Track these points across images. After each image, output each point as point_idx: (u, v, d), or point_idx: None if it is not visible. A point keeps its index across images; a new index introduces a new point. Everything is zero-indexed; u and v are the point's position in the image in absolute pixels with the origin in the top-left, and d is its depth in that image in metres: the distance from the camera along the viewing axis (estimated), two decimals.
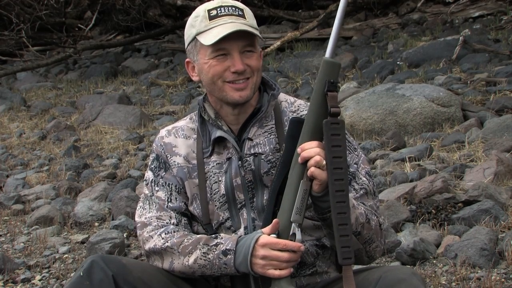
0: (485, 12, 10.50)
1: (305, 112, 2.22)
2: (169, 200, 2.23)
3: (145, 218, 2.23)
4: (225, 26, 2.10)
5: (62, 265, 4.02)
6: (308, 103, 2.27)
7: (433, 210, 4.04)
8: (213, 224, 2.20)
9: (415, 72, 7.68)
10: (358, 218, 2.06)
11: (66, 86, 10.33)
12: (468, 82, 6.91)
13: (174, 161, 2.25)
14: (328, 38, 12.59)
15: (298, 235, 1.96)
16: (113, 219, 4.73)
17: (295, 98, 2.32)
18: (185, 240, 2.13)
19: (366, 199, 2.18)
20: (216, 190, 2.19)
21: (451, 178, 4.57)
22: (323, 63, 1.97)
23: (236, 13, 2.13)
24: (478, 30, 9.37)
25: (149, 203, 2.26)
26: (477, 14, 10.50)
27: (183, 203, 2.23)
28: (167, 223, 2.20)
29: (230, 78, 2.13)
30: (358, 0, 10.79)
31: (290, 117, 2.15)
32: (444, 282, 3.29)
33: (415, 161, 5.05)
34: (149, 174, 2.29)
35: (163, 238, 2.16)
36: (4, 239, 4.62)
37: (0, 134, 7.90)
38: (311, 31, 10.52)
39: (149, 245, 2.18)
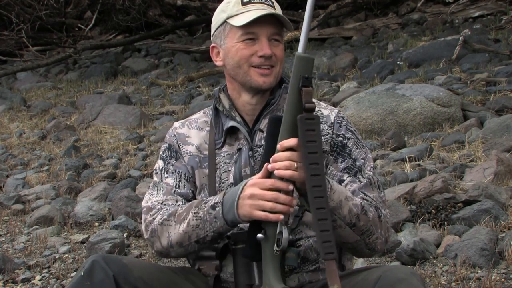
0: (485, 12, 10.50)
1: (316, 109, 2.23)
2: (177, 186, 2.25)
3: (151, 202, 2.25)
4: (258, 11, 2.15)
5: (62, 265, 4.02)
6: (319, 103, 2.29)
7: (433, 210, 4.04)
8: None
9: (415, 72, 7.68)
10: (352, 210, 2.05)
11: (66, 86, 10.33)
12: (468, 82, 6.91)
13: (186, 150, 2.28)
14: (328, 38, 12.52)
15: (285, 233, 1.96)
16: (113, 219, 4.73)
17: None
18: (179, 209, 2.16)
19: (370, 190, 2.18)
20: (225, 179, 2.21)
21: (451, 178, 4.57)
22: (296, 59, 1.97)
23: (268, 3, 2.20)
24: (478, 30, 9.37)
25: (157, 188, 2.28)
26: (477, 14, 10.51)
27: (190, 191, 2.25)
28: (171, 205, 2.22)
29: (256, 63, 2.17)
30: (358, 0, 10.79)
31: (269, 116, 2.17)
32: (444, 282, 3.29)
33: (415, 161, 5.05)
34: (159, 163, 2.32)
35: (161, 215, 2.19)
36: (4, 239, 4.62)
37: (0, 134, 7.90)
38: (311, 31, 10.51)
39: (151, 227, 2.20)
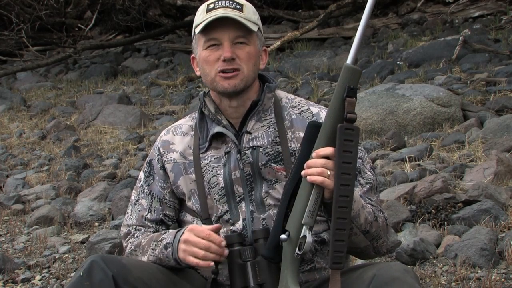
0: (485, 12, 10.50)
1: (305, 108, 2.27)
2: (149, 210, 2.31)
3: (127, 226, 2.34)
4: (215, 16, 2.15)
5: (62, 265, 4.02)
6: (308, 101, 2.31)
7: (433, 210, 4.04)
8: (212, 218, 2.23)
9: (415, 72, 7.68)
10: (367, 218, 2.09)
11: (66, 86, 10.32)
12: (468, 82, 6.91)
13: (170, 157, 2.30)
14: (328, 38, 12.46)
15: (309, 238, 1.97)
16: (113, 219, 4.73)
17: (295, 96, 2.35)
18: (143, 240, 2.25)
19: (371, 194, 2.21)
20: (215, 184, 2.21)
21: (451, 178, 4.57)
22: (344, 69, 1.97)
23: (233, 6, 2.17)
24: (478, 30, 9.37)
25: (132, 209, 2.36)
26: (477, 14, 10.51)
27: (161, 215, 2.31)
28: (142, 231, 2.32)
29: (220, 68, 2.17)
30: (358, 0, 10.79)
31: (308, 121, 2.17)
32: (444, 282, 3.29)
33: (415, 161, 5.05)
34: (140, 177, 2.39)
35: (131, 243, 2.30)
36: (4, 239, 4.62)
37: (0, 134, 7.89)
38: (311, 31, 10.52)
39: (126, 254, 2.31)
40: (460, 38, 8.09)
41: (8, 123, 8.41)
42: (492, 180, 4.38)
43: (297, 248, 1.98)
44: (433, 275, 3.34)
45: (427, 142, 5.49)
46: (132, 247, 2.28)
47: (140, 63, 11.28)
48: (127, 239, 2.33)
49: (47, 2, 11.84)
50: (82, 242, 4.40)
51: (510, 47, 8.11)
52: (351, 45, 2.01)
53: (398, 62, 8.31)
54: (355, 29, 12.52)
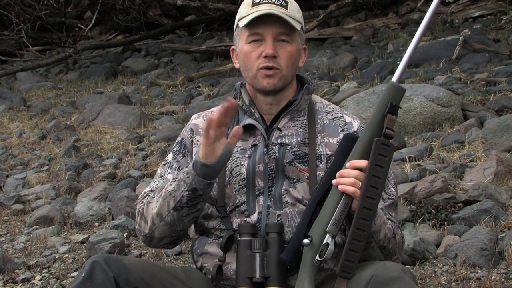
0: (485, 12, 10.50)
1: (339, 115, 2.31)
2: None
3: (144, 192, 2.30)
4: (261, 11, 2.16)
5: (62, 265, 4.02)
6: (342, 109, 2.35)
7: (433, 210, 4.04)
8: (228, 207, 2.23)
9: (415, 72, 7.68)
10: (387, 234, 2.11)
11: (66, 86, 10.32)
12: (468, 82, 6.91)
13: (198, 141, 2.30)
14: (328, 38, 12.43)
15: (331, 246, 1.98)
16: (113, 219, 4.73)
17: (330, 102, 2.39)
18: (166, 185, 2.21)
19: (391, 209, 2.23)
20: (237, 174, 2.22)
21: (451, 178, 4.57)
22: (389, 86, 2.01)
23: (279, 2, 2.19)
24: (478, 30, 9.37)
25: (155, 180, 2.33)
26: (477, 14, 10.51)
27: None
28: None
29: (262, 64, 2.19)
30: (358, 0, 10.79)
31: (340, 128, 2.23)
32: (444, 282, 3.29)
33: (415, 161, 5.05)
34: (169, 156, 2.36)
35: (148, 197, 2.24)
36: (4, 239, 4.62)
37: (0, 134, 7.89)
38: (311, 31, 10.52)
39: (140, 210, 2.24)
40: (460, 38, 8.09)
41: (8, 123, 8.41)
42: (492, 180, 4.38)
43: (317, 255, 1.99)
44: (433, 275, 3.34)
45: (427, 142, 5.49)
46: (150, 195, 2.23)
47: (140, 63, 11.28)
48: (143, 199, 2.27)
49: (47, 2, 11.85)
50: (82, 242, 4.39)
51: (510, 47, 8.11)
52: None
53: (398, 62, 8.28)
54: (355, 29, 12.49)
